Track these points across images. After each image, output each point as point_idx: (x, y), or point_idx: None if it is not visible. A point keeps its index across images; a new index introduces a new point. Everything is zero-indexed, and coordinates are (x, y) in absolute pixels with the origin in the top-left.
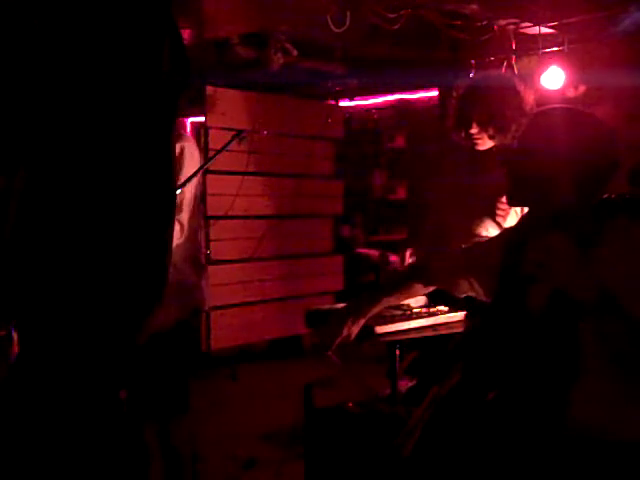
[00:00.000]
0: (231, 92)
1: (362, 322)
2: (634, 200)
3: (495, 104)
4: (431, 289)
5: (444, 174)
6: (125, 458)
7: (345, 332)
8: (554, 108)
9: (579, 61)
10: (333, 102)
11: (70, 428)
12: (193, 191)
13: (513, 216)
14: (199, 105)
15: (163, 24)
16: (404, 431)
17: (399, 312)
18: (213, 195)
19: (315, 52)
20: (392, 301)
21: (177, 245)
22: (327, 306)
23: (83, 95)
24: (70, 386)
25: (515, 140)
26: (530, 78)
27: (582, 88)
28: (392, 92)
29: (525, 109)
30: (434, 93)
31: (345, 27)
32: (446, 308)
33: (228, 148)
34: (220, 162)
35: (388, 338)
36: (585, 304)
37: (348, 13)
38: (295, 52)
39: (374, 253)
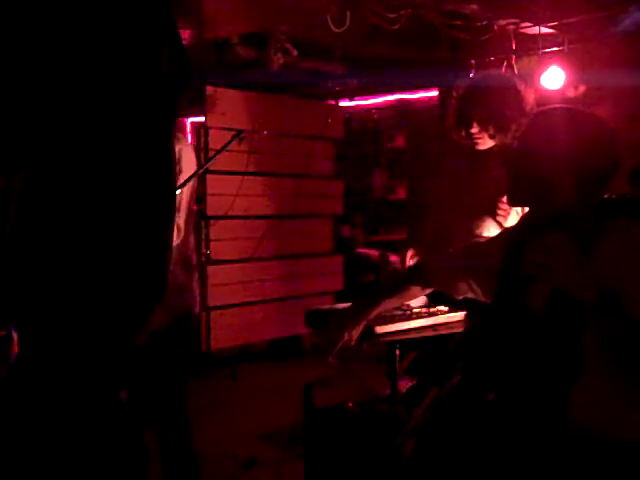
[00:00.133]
0: (231, 92)
1: (362, 325)
2: (634, 200)
3: (495, 104)
4: (430, 291)
5: (444, 174)
6: (125, 459)
7: (346, 336)
8: (554, 108)
9: (579, 61)
10: (333, 102)
11: (70, 428)
12: (189, 194)
13: (514, 216)
14: (199, 105)
15: (163, 24)
16: (404, 431)
17: (399, 312)
18: (213, 195)
19: (315, 52)
20: (392, 304)
21: (173, 247)
22: (327, 306)
23: (83, 95)
24: (70, 386)
25: (515, 140)
26: (530, 78)
27: (582, 88)
28: (392, 92)
29: (525, 109)
30: (434, 93)
31: (345, 27)
32: (446, 308)
33: (228, 148)
34: (220, 162)
35: (388, 338)
36: (585, 304)
37: (348, 13)
38: (295, 52)
39: (374, 253)
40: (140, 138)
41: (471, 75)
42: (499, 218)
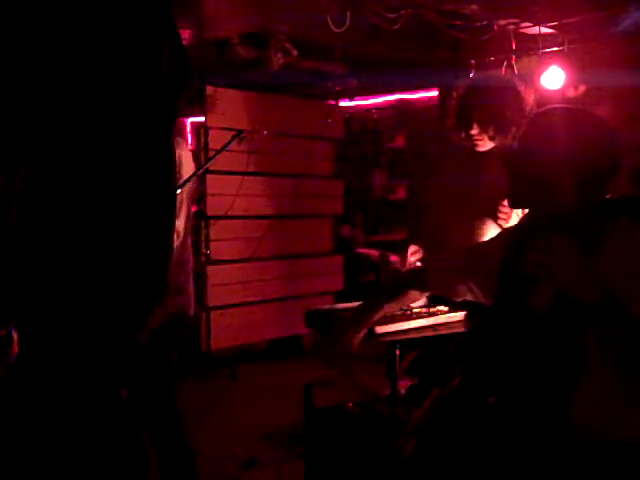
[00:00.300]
0: (231, 92)
1: (364, 332)
2: (636, 201)
3: (495, 104)
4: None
5: (444, 174)
6: (126, 458)
7: (347, 343)
8: (554, 108)
9: (579, 61)
10: (333, 102)
11: (71, 428)
12: (188, 199)
13: (515, 219)
14: (199, 105)
15: (163, 24)
16: (404, 432)
17: (399, 312)
18: (213, 195)
19: (315, 52)
20: (392, 308)
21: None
22: (327, 306)
23: (83, 95)
24: (71, 386)
25: (516, 141)
26: (530, 78)
27: (582, 88)
28: (392, 92)
29: (525, 110)
30: (434, 93)
31: (345, 27)
32: (446, 308)
33: (228, 148)
34: (220, 162)
35: (388, 338)
36: (587, 305)
37: (348, 13)
38: (295, 52)
39: (374, 253)
40: (140, 138)
41: (471, 75)
42: (500, 221)
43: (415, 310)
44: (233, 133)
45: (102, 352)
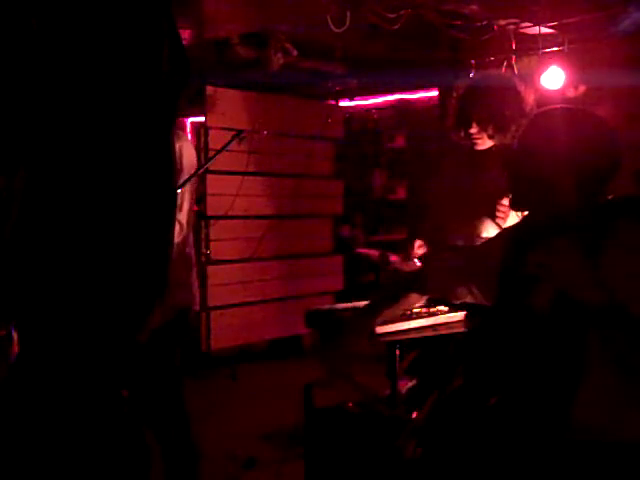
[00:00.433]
0: (231, 92)
1: (364, 337)
2: (637, 201)
3: (495, 104)
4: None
5: (444, 174)
6: (127, 457)
7: (348, 349)
8: (554, 108)
9: (579, 61)
10: (333, 102)
11: (72, 428)
12: (191, 191)
13: (513, 217)
14: (199, 105)
15: (163, 24)
16: (405, 433)
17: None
18: (213, 195)
19: (315, 52)
20: (391, 313)
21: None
22: (327, 306)
23: (83, 95)
24: (71, 385)
25: (516, 141)
26: (530, 78)
27: (582, 88)
28: (392, 92)
29: (525, 109)
30: (434, 93)
31: (345, 27)
32: (446, 308)
33: (228, 148)
34: (220, 162)
35: (388, 338)
36: (588, 305)
37: (348, 13)
38: (295, 52)
39: (374, 253)
40: (140, 137)
41: (471, 75)
42: (498, 220)
43: (415, 310)
44: (233, 133)
45: (102, 351)
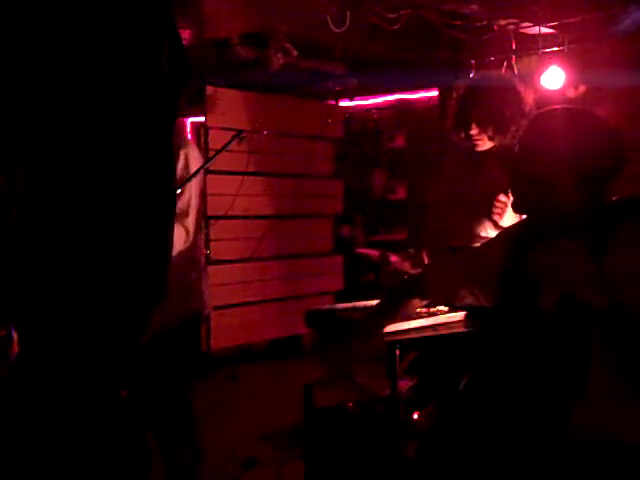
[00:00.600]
0: (231, 92)
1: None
2: None
3: (495, 105)
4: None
5: (444, 174)
6: (125, 458)
7: (357, 350)
8: (555, 109)
9: (579, 61)
10: (333, 102)
11: (71, 428)
12: (197, 197)
13: (510, 214)
14: (199, 105)
15: (163, 24)
16: (406, 433)
17: None
18: (213, 195)
19: (315, 52)
20: (394, 320)
21: (181, 250)
22: (327, 306)
23: (83, 95)
24: (70, 386)
25: (517, 142)
26: (530, 78)
27: (582, 88)
28: (392, 92)
29: (524, 110)
30: (434, 93)
31: (345, 27)
32: (446, 308)
33: (228, 148)
34: (220, 162)
35: (388, 338)
36: (594, 307)
37: (348, 13)
38: (295, 52)
39: (374, 253)
40: (140, 138)
41: (471, 75)
42: (494, 217)
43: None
44: (233, 133)
45: (101, 351)
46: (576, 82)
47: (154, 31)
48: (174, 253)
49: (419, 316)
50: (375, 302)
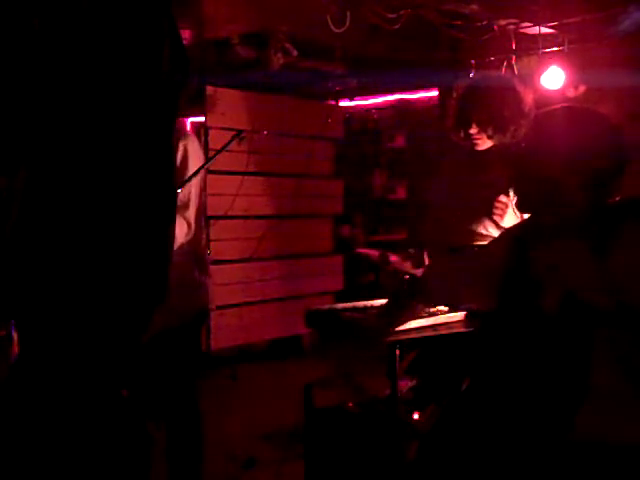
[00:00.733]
0: (231, 92)
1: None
2: None
3: (494, 104)
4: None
5: (444, 174)
6: (126, 456)
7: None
8: (559, 108)
9: (579, 61)
10: (333, 102)
11: (71, 427)
12: (198, 190)
13: (510, 214)
14: (199, 105)
15: (163, 24)
16: (407, 434)
17: None
18: (213, 195)
19: (315, 52)
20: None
21: (183, 243)
22: (327, 306)
23: (83, 95)
24: (71, 385)
25: (521, 141)
26: (530, 78)
27: (582, 88)
28: (392, 92)
29: (524, 110)
30: (434, 93)
31: (345, 27)
32: (446, 308)
33: (228, 148)
34: (220, 162)
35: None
36: (598, 307)
37: (348, 13)
38: (295, 52)
39: (374, 253)
40: (140, 137)
41: (471, 75)
42: (495, 217)
43: None
44: (233, 133)
45: (101, 350)
46: (576, 82)
47: (155, 31)
48: (176, 246)
49: (419, 316)
50: (375, 302)
